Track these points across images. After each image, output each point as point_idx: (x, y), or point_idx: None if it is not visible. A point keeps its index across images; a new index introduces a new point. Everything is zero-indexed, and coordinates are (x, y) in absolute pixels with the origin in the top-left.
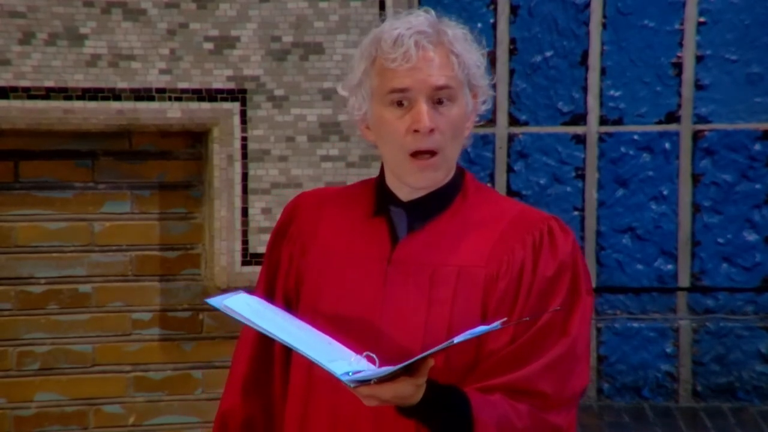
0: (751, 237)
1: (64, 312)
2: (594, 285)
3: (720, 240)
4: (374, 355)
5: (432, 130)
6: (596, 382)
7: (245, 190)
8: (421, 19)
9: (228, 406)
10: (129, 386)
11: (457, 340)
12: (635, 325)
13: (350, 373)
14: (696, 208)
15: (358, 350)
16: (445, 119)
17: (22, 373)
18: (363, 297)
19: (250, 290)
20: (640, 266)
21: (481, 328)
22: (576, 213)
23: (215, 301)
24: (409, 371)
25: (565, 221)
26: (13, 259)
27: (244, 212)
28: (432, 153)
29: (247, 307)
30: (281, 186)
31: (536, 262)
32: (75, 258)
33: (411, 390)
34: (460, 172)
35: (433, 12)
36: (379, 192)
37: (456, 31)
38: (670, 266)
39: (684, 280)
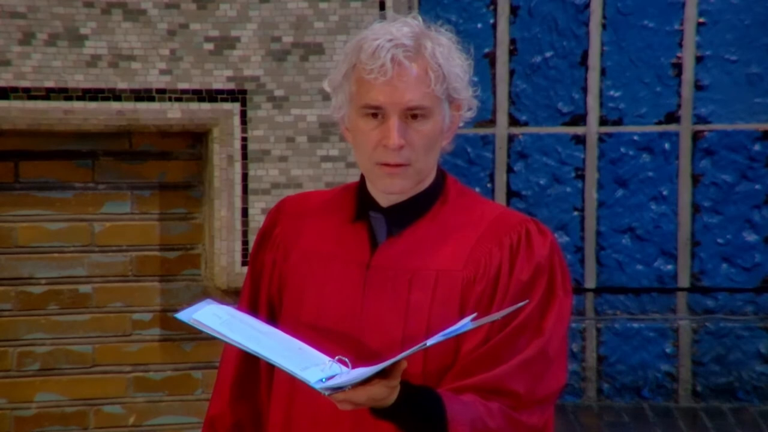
0: (751, 237)
1: (64, 312)
2: (594, 285)
3: (720, 240)
4: (347, 359)
5: (402, 146)
6: (596, 382)
7: (245, 190)
8: (405, 30)
9: (216, 411)
10: (129, 386)
11: (430, 342)
12: (635, 325)
13: (324, 380)
14: (696, 208)
15: (337, 354)
16: (418, 135)
17: (22, 373)
18: (343, 302)
19: (217, 300)
20: (639, 266)
21: (453, 329)
22: (576, 213)
23: (183, 315)
24: (383, 374)
25: (565, 221)
26: (13, 259)
27: (244, 212)
28: (401, 165)
29: (216, 319)
30: (281, 186)
31: (512, 265)
32: (75, 258)
33: (385, 392)
34: (441, 177)
35: (420, 19)
36: (360, 197)
37: (440, 43)
38: (669, 266)
39: (684, 281)
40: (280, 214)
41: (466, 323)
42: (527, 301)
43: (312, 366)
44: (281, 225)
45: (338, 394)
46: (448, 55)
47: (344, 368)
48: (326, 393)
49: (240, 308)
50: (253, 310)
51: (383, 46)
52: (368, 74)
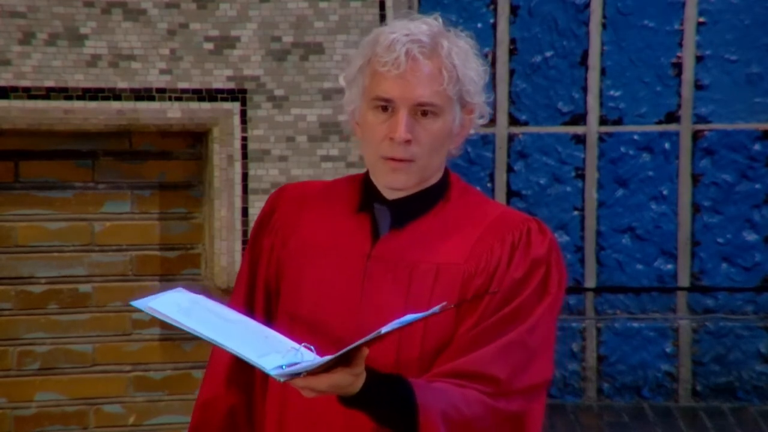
0: (751, 237)
1: (64, 312)
2: (594, 285)
3: (720, 240)
4: (312, 347)
5: (408, 141)
6: (596, 382)
7: (245, 190)
8: (424, 27)
9: (210, 395)
10: (129, 386)
11: (384, 330)
12: (635, 325)
13: (284, 366)
14: (696, 208)
15: (334, 343)
16: (426, 132)
17: (22, 372)
18: (342, 291)
19: (191, 289)
20: (640, 266)
21: (411, 317)
22: (576, 213)
23: (141, 303)
24: (346, 361)
25: (565, 221)
26: (13, 259)
27: (244, 212)
28: (405, 160)
29: (174, 307)
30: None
31: (510, 261)
32: (75, 258)
33: (348, 380)
34: (446, 175)
35: (441, 21)
36: (365, 189)
37: (457, 45)
38: (669, 266)
39: (684, 280)
40: (280, 200)
41: (432, 310)
42: (497, 290)
43: (272, 353)
44: (280, 211)
45: (298, 381)
46: (464, 58)
47: (308, 355)
48: (281, 380)
49: (236, 293)
50: (249, 294)
51: (399, 40)
52: (382, 66)
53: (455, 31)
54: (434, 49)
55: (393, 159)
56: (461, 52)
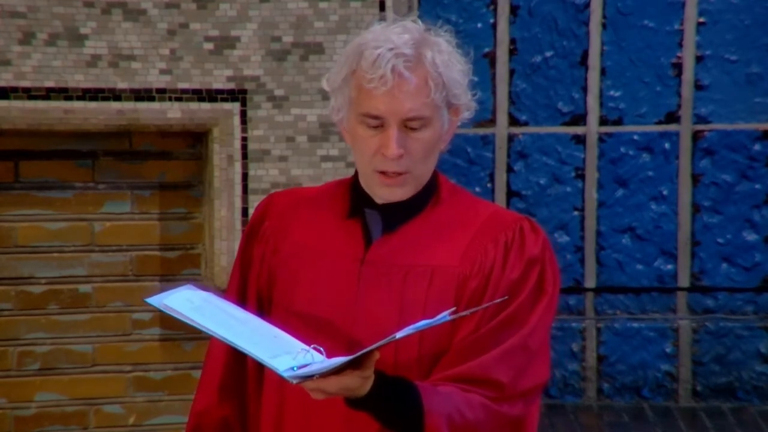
0: (751, 237)
1: (64, 312)
2: (594, 285)
3: (720, 240)
4: (322, 348)
5: (401, 156)
6: (596, 382)
7: (245, 190)
8: (406, 37)
9: (203, 407)
10: (129, 386)
11: (399, 335)
12: (635, 325)
13: (295, 368)
14: (696, 208)
15: (329, 348)
16: (417, 143)
17: (22, 373)
18: (336, 296)
19: (199, 286)
20: (640, 266)
21: (425, 322)
22: (576, 213)
23: (155, 300)
24: (356, 364)
25: (565, 221)
26: (13, 259)
27: (244, 212)
28: (399, 173)
29: (188, 304)
30: (281, 186)
31: (505, 262)
32: (75, 258)
33: (357, 382)
34: (434, 176)
35: (420, 23)
36: (354, 194)
37: (440, 50)
38: (669, 266)
39: (684, 280)
40: (269, 209)
41: (443, 316)
42: (506, 297)
43: (283, 354)
44: (270, 219)
45: (308, 383)
46: (448, 62)
47: (318, 357)
48: (294, 381)
49: (226, 299)
50: (241, 303)
51: (384, 56)
52: (368, 83)
53: (435, 31)
54: (419, 61)
55: (386, 175)
56: (445, 56)
